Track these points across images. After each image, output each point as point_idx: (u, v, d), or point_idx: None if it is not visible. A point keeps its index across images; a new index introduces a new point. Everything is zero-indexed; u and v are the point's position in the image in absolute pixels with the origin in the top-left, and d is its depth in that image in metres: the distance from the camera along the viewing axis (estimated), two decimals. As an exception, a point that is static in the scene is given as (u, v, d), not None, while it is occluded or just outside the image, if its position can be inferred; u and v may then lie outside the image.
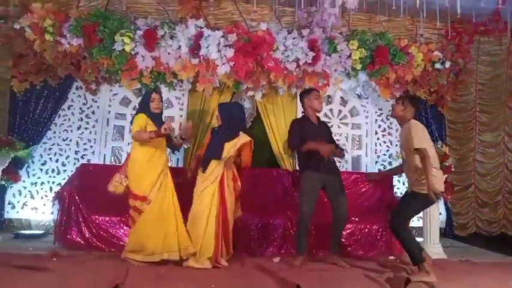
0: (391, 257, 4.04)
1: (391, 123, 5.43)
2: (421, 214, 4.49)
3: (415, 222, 4.81)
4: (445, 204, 5.23)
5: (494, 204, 5.42)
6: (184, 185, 3.63)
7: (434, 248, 4.16)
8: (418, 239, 4.47)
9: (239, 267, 3.45)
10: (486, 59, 5.53)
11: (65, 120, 4.92)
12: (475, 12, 4.66)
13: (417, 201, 3.25)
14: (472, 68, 5.35)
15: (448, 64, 4.91)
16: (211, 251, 3.31)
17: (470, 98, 5.52)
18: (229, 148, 3.55)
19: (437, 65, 4.90)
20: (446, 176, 4.28)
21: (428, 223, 4.24)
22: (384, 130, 5.45)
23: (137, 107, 3.90)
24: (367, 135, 5.37)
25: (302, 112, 4.08)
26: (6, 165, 4.24)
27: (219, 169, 3.49)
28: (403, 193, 3.58)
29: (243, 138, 3.62)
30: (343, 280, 3.11)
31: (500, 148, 5.52)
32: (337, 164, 4.03)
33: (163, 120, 3.62)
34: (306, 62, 4.58)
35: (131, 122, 3.60)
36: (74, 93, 4.95)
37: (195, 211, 3.44)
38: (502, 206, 5.45)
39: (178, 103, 5.14)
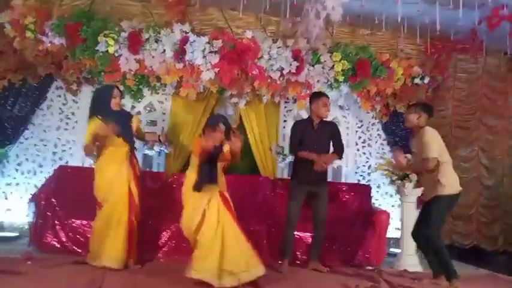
0: (369, 267, 4.09)
1: (371, 135, 5.53)
2: (398, 225, 4.59)
3: (393, 232, 4.90)
4: (421, 216, 5.33)
5: (468, 217, 5.56)
6: (164, 189, 3.63)
7: (410, 259, 4.23)
8: (395, 250, 4.59)
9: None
10: (463, 76, 5.71)
11: (43, 120, 4.81)
12: (453, 30, 4.83)
13: (442, 204, 3.35)
14: (449, 84, 5.52)
15: (427, 79, 5.06)
16: None
17: (447, 113, 5.67)
18: (220, 166, 3.39)
19: (417, 80, 5.03)
20: (423, 188, 4.39)
21: (405, 233, 4.30)
22: (364, 142, 5.54)
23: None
24: (348, 146, 5.43)
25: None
26: (-20, 164, 4.12)
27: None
28: (424, 204, 3.60)
29: (230, 143, 3.30)
30: (322, 288, 3.13)
31: (475, 163, 5.69)
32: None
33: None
34: (290, 71, 4.63)
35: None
36: (53, 92, 4.85)
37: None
38: (475, 219, 5.59)
39: (161, 107, 5.10)
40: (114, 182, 3.36)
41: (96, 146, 3.43)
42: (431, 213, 3.39)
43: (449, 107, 5.67)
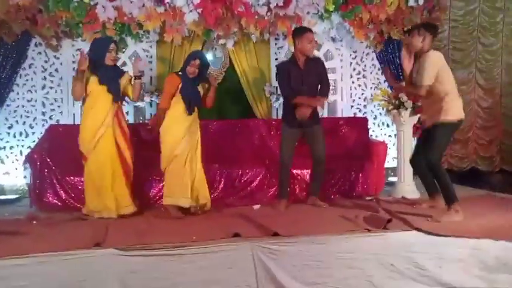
0: (368, 198, 4.16)
1: (365, 66, 5.37)
2: (395, 154, 4.61)
3: (390, 162, 4.94)
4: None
5: (465, 140, 5.58)
6: (157, 140, 3.65)
7: (408, 186, 4.28)
8: (392, 179, 4.65)
9: (218, 216, 3.52)
10: (460, -6, 5.45)
11: (27, 80, 4.67)
12: None
13: (445, 130, 3.28)
14: (445, 4, 5.26)
15: (421, 1, 4.80)
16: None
17: (443, 35, 5.49)
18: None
19: (411, 2, 4.77)
20: (419, 115, 4.34)
21: (402, 162, 4.30)
22: (359, 73, 5.39)
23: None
24: (342, 79, 5.33)
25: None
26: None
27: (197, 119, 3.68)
28: (424, 130, 3.57)
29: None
30: (321, 223, 3.19)
31: (472, 85, 5.60)
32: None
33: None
34: (277, 4, 4.41)
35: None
36: (33, 50, 4.66)
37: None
38: (472, 142, 5.61)
39: (147, 55, 4.92)
40: (98, 132, 3.37)
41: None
42: (435, 139, 3.31)
43: (446, 28, 5.47)
